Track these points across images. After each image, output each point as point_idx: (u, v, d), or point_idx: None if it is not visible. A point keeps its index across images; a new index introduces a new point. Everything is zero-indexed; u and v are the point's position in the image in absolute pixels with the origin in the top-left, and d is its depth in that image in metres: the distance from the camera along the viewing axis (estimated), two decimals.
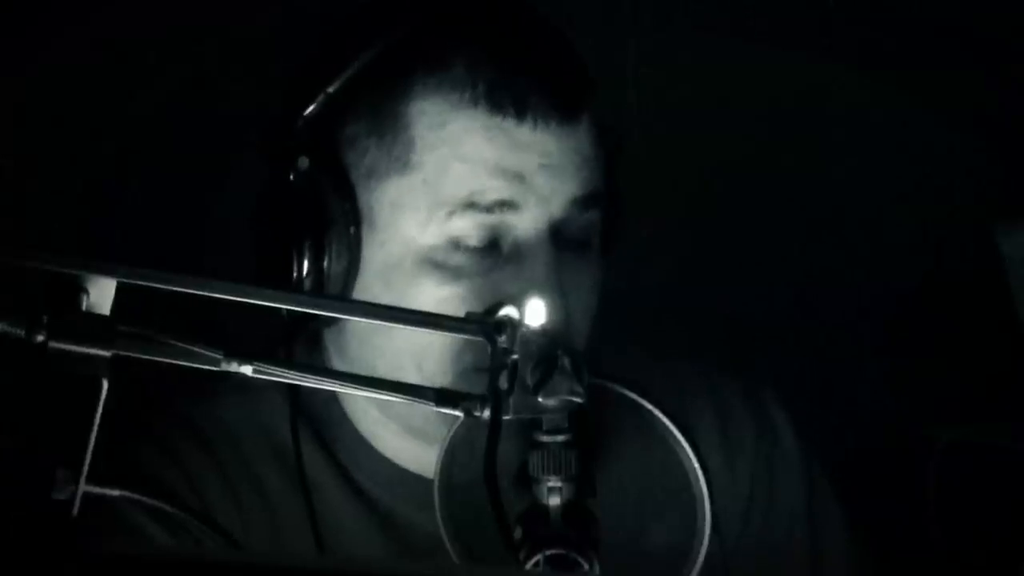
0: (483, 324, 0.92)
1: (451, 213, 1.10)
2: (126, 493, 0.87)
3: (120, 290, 0.84)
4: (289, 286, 1.11)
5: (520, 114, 1.10)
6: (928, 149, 1.85)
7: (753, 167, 1.85)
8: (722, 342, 1.73)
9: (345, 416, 1.20)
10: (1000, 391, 1.67)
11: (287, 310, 1.10)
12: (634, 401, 0.95)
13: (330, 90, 1.12)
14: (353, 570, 0.70)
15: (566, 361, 0.90)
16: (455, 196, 1.10)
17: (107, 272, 0.83)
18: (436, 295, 1.10)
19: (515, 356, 0.91)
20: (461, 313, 1.08)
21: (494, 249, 1.11)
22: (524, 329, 0.91)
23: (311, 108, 1.12)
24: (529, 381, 0.90)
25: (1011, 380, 1.62)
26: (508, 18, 1.14)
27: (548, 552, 0.88)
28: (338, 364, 1.19)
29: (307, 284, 1.11)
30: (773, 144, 1.84)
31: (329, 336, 1.19)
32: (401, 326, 0.96)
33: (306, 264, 1.11)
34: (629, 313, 1.23)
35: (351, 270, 1.12)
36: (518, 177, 1.10)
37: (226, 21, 1.66)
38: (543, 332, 0.92)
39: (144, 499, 0.91)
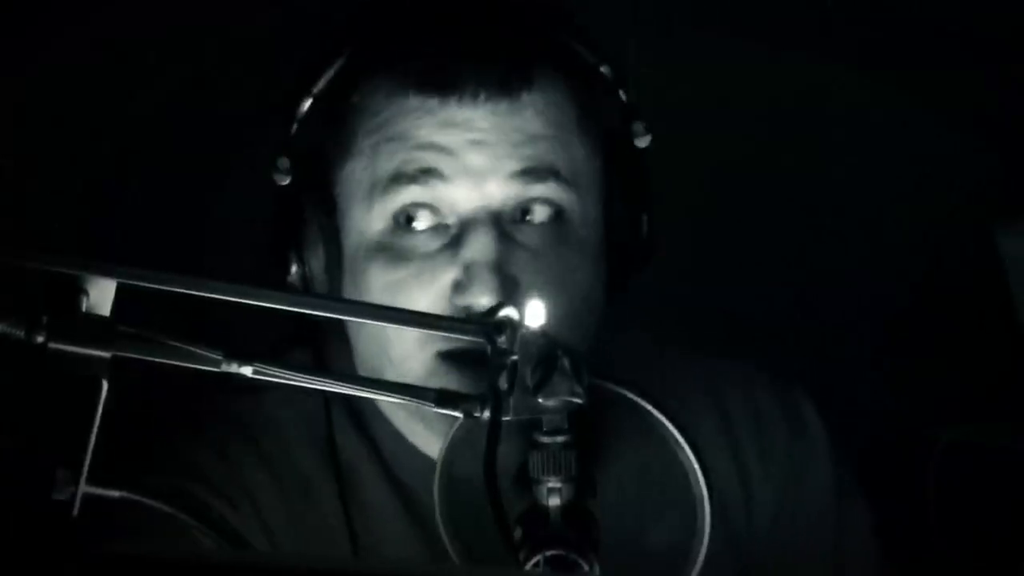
0: (482, 325, 0.92)
1: (384, 189, 1.12)
2: (126, 494, 0.87)
3: (126, 291, 0.84)
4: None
5: (445, 93, 1.11)
6: (928, 149, 1.85)
7: (753, 167, 1.85)
8: (722, 341, 1.73)
9: (379, 411, 1.21)
10: (1000, 391, 1.67)
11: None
12: (634, 401, 0.95)
13: (314, 91, 1.15)
14: (354, 570, 0.70)
15: (566, 362, 0.90)
16: (385, 171, 1.12)
17: (107, 272, 0.83)
18: (384, 279, 1.12)
19: (515, 357, 0.90)
20: (412, 297, 1.11)
21: (440, 231, 1.12)
22: (524, 330, 0.91)
23: (297, 117, 1.15)
24: (529, 382, 0.90)
25: (1011, 380, 1.62)
26: (452, 5, 1.16)
27: (548, 553, 0.88)
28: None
29: (297, 282, 1.16)
30: (773, 144, 1.84)
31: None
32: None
33: (293, 267, 1.16)
34: (629, 313, 1.23)
35: (331, 267, 1.15)
36: (445, 151, 1.11)
37: (226, 21, 1.67)
38: (543, 333, 0.91)
39: (144, 500, 0.91)
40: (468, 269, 1.10)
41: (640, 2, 1.75)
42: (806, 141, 1.84)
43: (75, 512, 0.79)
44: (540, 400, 0.90)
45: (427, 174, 1.11)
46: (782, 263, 1.86)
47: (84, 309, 0.82)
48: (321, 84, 1.14)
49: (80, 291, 0.82)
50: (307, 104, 1.15)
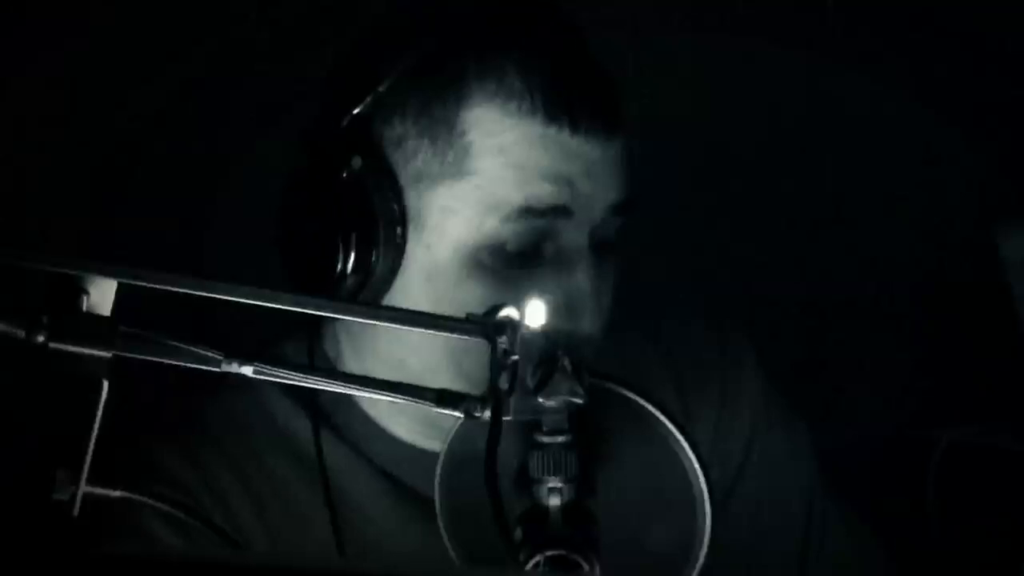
0: (483, 325, 0.92)
1: (505, 219, 1.10)
2: (126, 493, 0.87)
3: (128, 291, 0.84)
4: (331, 283, 1.10)
5: (574, 126, 1.10)
6: (928, 149, 1.85)
7: (753, 167, 1.85)
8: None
9: (354, 402, 1.21)
10: (1000, 391, 1.67)
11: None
12: (634, 401, 0.95)
13: (380, 89, 1.11)
14: (353, 570, 0.70)
15: (566, 362, 0.90)
16: (510, 201, 1.10)
17: (107, 272, 0.83)
18: (482, 297, 1.10)
19: (515, 357, 0.91)
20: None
21: (536, 250, 1.12)
22: (524, 330, 0.91)
23: (360, 107, 1.11)
24: (529, 382, 0.90)
25: (1011, 380, 1.62)
26: (551, 25, 1.15)
27: (548, 553, 0.88)
28: (351, 357, 1.20)
29: (350, 282, 1.10)
30: (773, 144, 1.84)
31: (343, 329, 1.20)
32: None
33: (351, 263, 1.10)
34: (629, 313, 1.23)
35: (394, 271, 1.12)
36: (568, 183, 1.11)
37: (226, 21, 1.67)
38: (544, 333, 0.91)
39: (145, 500, 0.91)
40: (571, 295, 1.11)
41: (640, 2, 1.76)
42: (806, 141, 1.84)
43: (75, 512, 0.79)
44: (541, 400, 0.90)
45: (555, 211, 1.10)
46: (783, 263, 1.86)
47: (85, 309, 0.82)
48: (404, 88, 1.10)
49: (81, 291, 0.82)
50: (383, 106, 1.11)
